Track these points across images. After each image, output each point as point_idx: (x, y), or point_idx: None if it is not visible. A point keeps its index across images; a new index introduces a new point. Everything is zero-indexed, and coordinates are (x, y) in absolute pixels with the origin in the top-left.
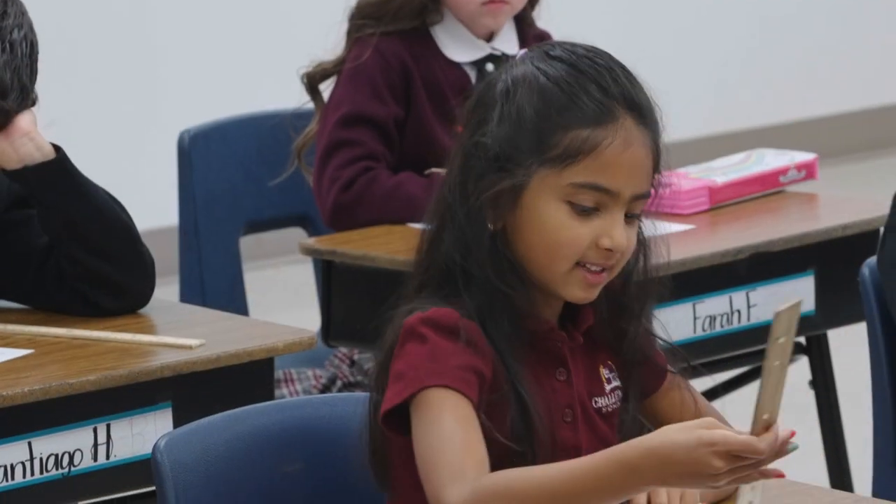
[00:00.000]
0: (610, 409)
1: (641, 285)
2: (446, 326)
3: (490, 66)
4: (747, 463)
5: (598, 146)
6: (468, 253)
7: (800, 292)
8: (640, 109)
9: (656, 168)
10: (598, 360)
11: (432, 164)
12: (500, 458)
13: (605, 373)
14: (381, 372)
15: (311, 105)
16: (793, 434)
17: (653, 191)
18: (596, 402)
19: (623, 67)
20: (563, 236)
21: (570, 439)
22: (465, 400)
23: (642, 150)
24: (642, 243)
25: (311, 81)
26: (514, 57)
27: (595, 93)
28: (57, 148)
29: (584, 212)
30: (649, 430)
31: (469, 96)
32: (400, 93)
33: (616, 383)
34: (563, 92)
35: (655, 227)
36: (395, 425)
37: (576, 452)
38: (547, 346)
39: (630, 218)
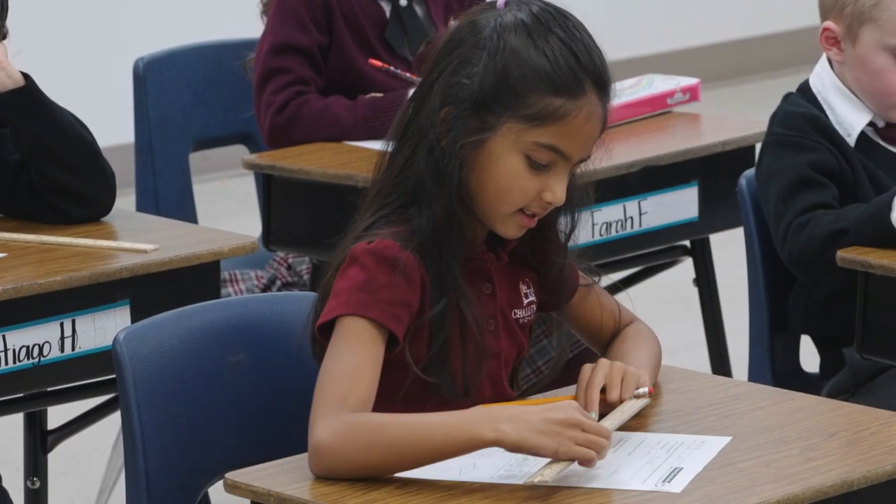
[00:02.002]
0: (526, 321)
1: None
2: (386, 258)
3: (403, 1)
4: (602, 429)
5: (567, 116)
6: (440, 183)
7: (685, 201)
8: (605, 87)
9: (601, 134)
10: (518, 277)
11: (355, 88)
12: (420, 377)
13: (523, 288)
14: (326, 287)
15: (249, 36)
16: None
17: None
18: (515, 313)
19: (592, 38)
20: (515, 185)
21: (493, 346)
22: (381, 336)
23: (598, 123)
24: (577, 214)
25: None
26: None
27: (573, 65)
28: (26, 76)
29: (537, 167)
30: (576, 337)
31: (430, 41)
32: (322, 23)
33: (532, 298)
34: (547, 58)
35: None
36: (326, 334)
37: (496, 357)
38: (477, 264)
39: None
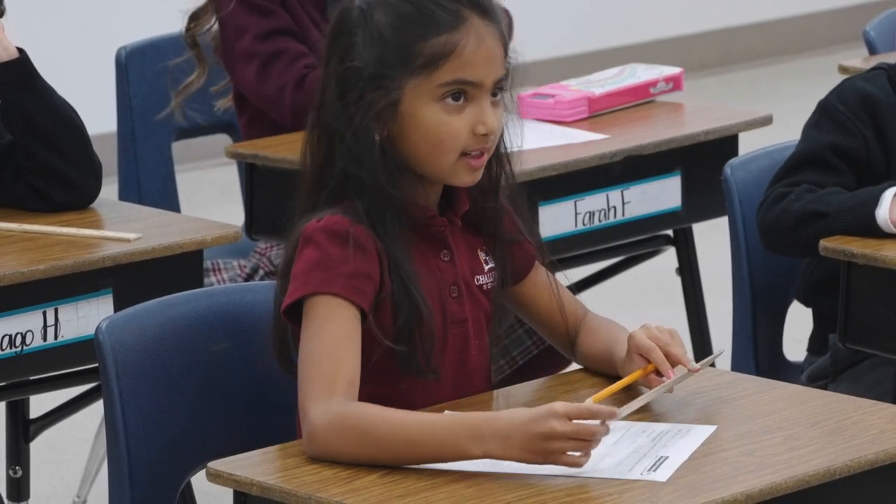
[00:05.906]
0: (489, 287)
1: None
2: (338, 233)
3: None
4: (584, 430)
5: (456, 48)
6: (360, 166)
7: (668, 190)
8: (484, 8)
9: (506, 53)
10: (476, 244)
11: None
12: (387, 355)
13: (482, 255)
14: (285, 274)
15: None
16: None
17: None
18: (478, 279)
19: None
20: (444, 132)
21: (457, 313)
22: (352, 310)
23: (493, 42)
24: (502, 154)
25: (192, 37)
26: None
27: (442, 1)
28: (20, 50)
29: (455, 107)
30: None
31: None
32: (281, 6)
33: (492, 265)
34: (414, 6)
35: (515, 142)
36: (294, 318)
37: (462, 324)
38: (430, 231)
39: (494, 99)
